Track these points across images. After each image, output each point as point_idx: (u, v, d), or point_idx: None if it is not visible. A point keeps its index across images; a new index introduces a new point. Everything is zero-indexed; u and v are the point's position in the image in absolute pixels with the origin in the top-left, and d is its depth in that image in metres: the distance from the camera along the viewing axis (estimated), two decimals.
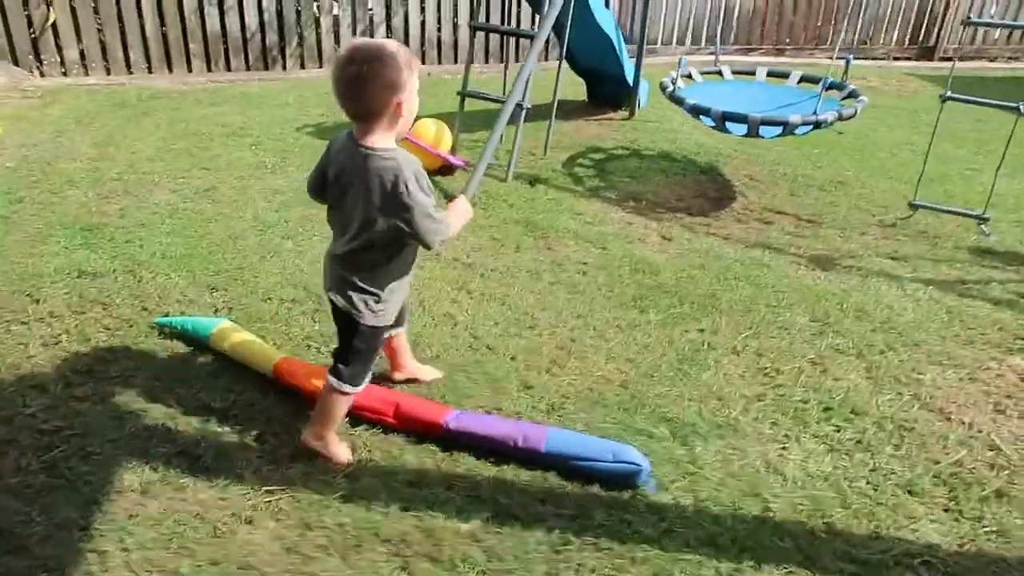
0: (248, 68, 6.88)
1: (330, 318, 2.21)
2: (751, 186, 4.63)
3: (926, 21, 8.71)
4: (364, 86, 1.87)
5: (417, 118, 2.30)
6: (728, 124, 3.96)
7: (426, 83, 6.61)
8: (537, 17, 5.07)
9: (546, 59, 6.89)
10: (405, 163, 1.94)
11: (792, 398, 2.63)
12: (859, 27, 8.60)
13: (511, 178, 4.41)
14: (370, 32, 7.18)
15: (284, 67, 7.07)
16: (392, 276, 2.09)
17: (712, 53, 5.32)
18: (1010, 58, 8.99)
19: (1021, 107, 3.74)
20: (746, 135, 4.04)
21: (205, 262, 3.31)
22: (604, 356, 2.81)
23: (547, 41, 5.17)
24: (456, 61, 7.38)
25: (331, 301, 2.12)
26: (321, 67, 7.11)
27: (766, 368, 2.79)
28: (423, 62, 7.18)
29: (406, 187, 1.91)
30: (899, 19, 8.74)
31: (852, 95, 4.26)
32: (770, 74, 4.76)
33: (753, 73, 4.81)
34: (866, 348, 2.94)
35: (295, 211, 3.85)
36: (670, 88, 4.26)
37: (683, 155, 5.09)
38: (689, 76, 4.68)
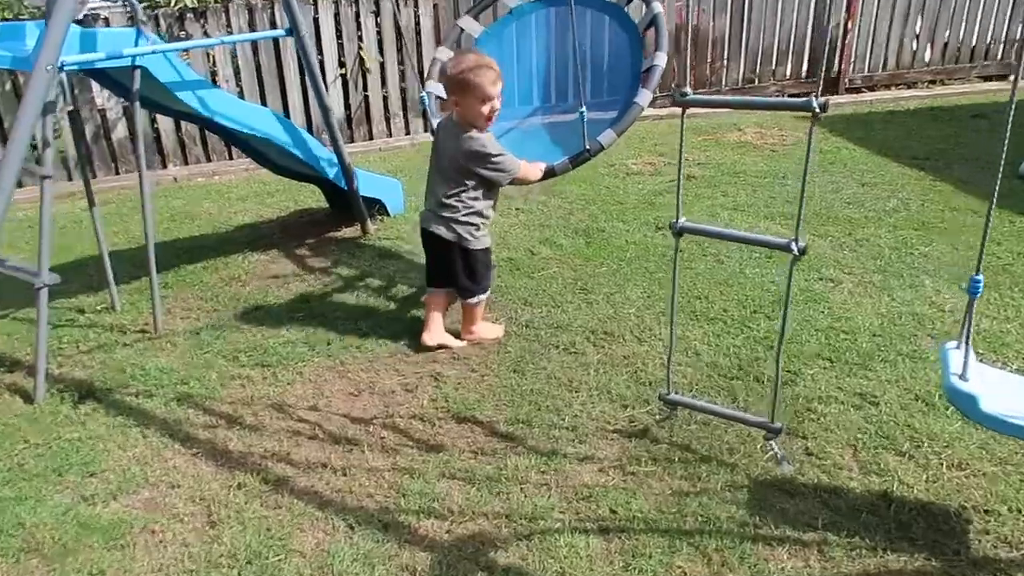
0: None
1: None
2: (468, 361, 2.94)
3: (827, 48, 7.12)
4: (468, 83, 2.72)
5: None
6: None
7: None
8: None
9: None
10: (488, 139, 2.82)
11: None
12: (742, 63, 7.05)
13: (42, 397, 2.73)
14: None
15: None
16: (483, 211, 2.90)
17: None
18: (930, 82, 7.38)
19: None
20: None
21: None
22: None
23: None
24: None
25: (434, 236, 2.86)
26: None
27: None
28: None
29: (487, 150, 2.79)
30: (790, 49, 7.16)
31: None
32: None
33: None
34: None
35: None
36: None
37: (401, 296, 3.43)
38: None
